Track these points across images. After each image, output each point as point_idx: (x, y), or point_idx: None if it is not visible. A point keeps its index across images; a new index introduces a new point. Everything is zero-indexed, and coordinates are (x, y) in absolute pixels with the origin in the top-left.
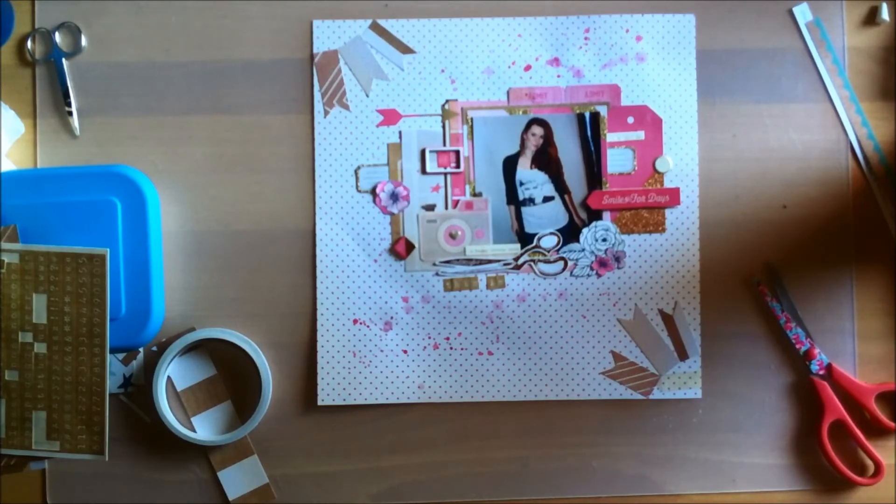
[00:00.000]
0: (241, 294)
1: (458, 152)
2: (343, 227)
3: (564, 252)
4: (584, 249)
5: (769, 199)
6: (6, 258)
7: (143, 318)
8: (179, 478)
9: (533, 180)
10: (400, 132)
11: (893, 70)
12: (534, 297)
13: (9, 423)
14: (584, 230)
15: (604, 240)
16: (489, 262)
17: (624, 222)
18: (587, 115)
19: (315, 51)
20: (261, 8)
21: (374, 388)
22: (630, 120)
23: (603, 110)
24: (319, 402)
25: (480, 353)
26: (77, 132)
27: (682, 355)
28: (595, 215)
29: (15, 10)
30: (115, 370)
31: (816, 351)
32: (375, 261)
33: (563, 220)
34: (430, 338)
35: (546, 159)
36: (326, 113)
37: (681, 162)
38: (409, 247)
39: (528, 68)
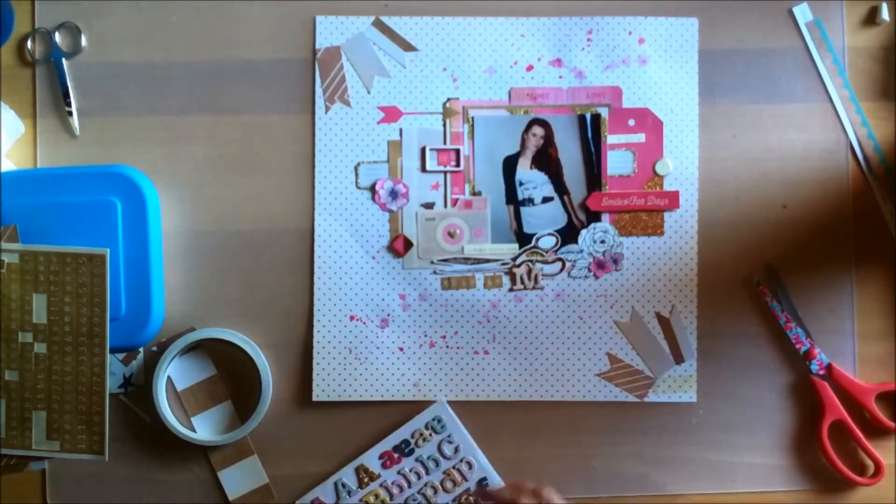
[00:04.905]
0: (241, 294)
1: (458, 151)
2: (342, 223)
3: (562, 253)
4: (582, 251)
5: (769, 199)
6: (6, 258)
7: (143, 318)
8: (179, 478)
9: (532, 180)
10: (401, 129)
11: (893, 70)
12: (531, 298)
13: (9, 423)
14: (583, 231)
15: (602, 241)
16: (487, 261)
17: (623, 224)
18: (588, 116)
19: (317, 46)
20: (261, 8)
21: (369, 385)
22: (631, 122)
23: (604, 112)
24: (314, 398)
25: (476, 353)
26: (77, 132)
27: (678, 359)
28: (594, 217)
29: (15, 10)
30: (115, 370)
31: (816, 351)
32: (373, 258)
33: (561, 220)
34: (426, 336)
35: (546, 160)
36: (327, 109)
37: (681, 165)
38: (408, 244)
39: (530, 68)
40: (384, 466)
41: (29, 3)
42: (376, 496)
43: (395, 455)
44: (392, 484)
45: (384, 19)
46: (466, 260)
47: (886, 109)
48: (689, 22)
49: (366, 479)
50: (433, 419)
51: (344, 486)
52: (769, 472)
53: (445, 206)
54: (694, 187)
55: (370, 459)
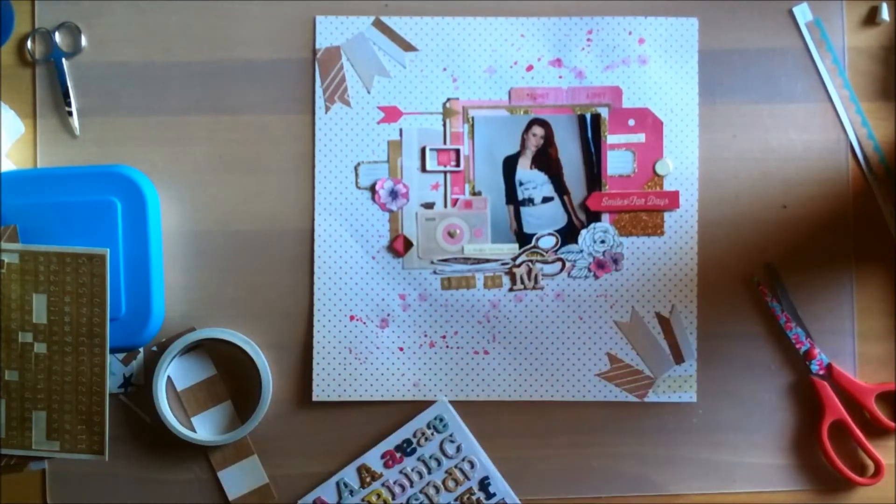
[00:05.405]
0: (241, 294)
1: (458, 151)
2: (342, 223)
3: (562, 253)
4: (582, 251)
5: (769, 199)
6: (6, 258)
7: (143, 318)
8: (179, 478)
9: (532, 180)
10: (401, 129)
11: (893, 70)
12: (531, 298)
13: (9, 423)
14: (583, 231)
15: (602, 241)
16: (487, 261)
17: (623, 224)
18: (588, 116)
19: (318, 46)
20: (261, 7)
21: (368, 385)
22: (631, 122)
23: (604, 112)
24: (314, 398)
25: (476, 353)
26: (77, 132)
27: (678, 359)
28: (594, 217)
29: (15, 10)
30: (115, 370)
31: (816, 351)
32: (373, 258)
33: (561, 220)
34: (426, 336)
35: (546, 160)
36: (327, 109)
37: (681, 165)
38: (408, 244)
39: (530, 68)
40: (386, 466)
41: (29, 3)
42: (378, 496)
43: (397, 454)
44: (394, 483)
45: (384, 19)
46: (466, 260)
47: (886, 109)
48: (689, 22)
49: (368, 479)
50: (435, 418)
51: (346, 485)
52: (769, 472)
53: (445, 206)
54: (694, 187)
55: (372, 459)
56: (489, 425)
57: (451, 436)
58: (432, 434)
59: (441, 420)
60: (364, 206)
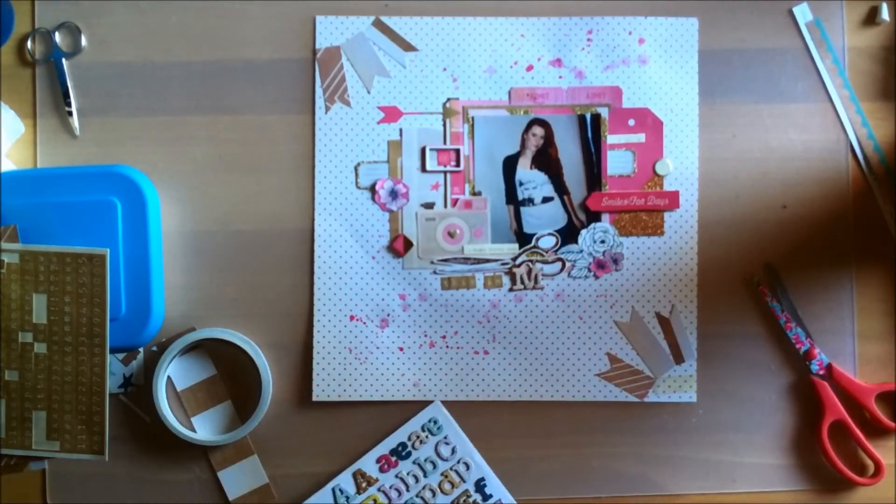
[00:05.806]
0: (241, 294)
1: (458, 151)
2: (342, 223)
3: (562, 253)
4: (582, 251)
5: (769, 199)
6: (6, 258)
7: (143, 318)
8: (179, 478)
9: (532, 180)
10: (401, 129)
11: (893, 70)
12: (531, 298)
13: (9, 423)
14: (583, 231)
15: (602, 241)
16: (487, 261)
17: (623, 224)
18: (588, 116)
19: (318, 46)
20: (261, 7)
21: (368, 385)
22: (631, 122)
23: (604, 112)
24: (314, 398)
25: (476, 353)
26: (77, 132)
27: (678, 359)
28: (594, 217)
29: (15, 10)
30: (115, 370)
31: (816, 351)
32: (373, 258)
33: (561, 220)
34: (426, 336)
35: (546, 160)
36: (327, 109)
37: (681, 165)
38: (408, 244)
39: (530, 68)
40: (382, 470)
41: (29, 3)
42: (374, 501)
43: (393, 458)
44: (390, 488)
45: (384, 19)
46: (466, 260)
47: (886, 109)
48: (689, 22)
49: (364, 484)
50: (429, 421)
51: (342, 491)
52: (769, 472)
53: (445, 206)
54: (694, 187)
55: (367, 464)
56: (489, 425)
57: (445, 438)
58: (427, 437)
59: (435, 422)
60: (364, 206)
